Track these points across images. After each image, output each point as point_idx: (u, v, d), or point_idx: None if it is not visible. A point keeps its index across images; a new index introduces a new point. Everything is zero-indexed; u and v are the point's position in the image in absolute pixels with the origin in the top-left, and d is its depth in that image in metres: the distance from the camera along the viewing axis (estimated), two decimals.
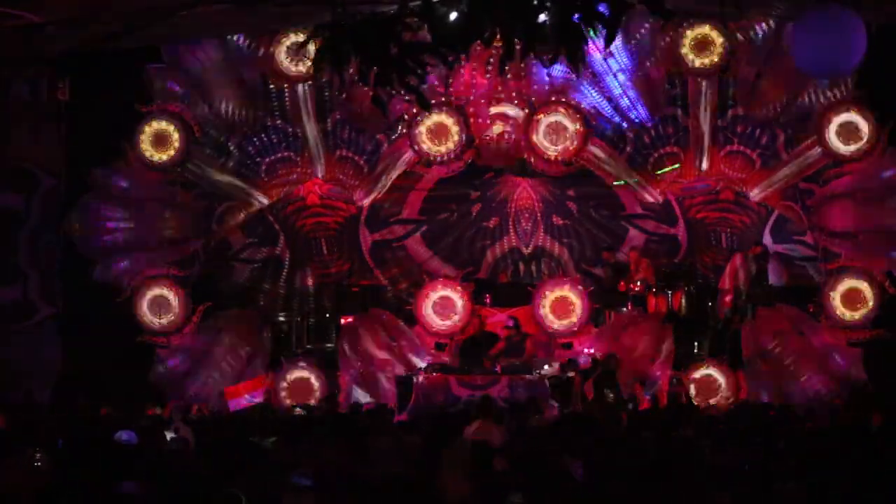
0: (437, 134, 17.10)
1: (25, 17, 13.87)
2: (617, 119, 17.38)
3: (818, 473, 7.73)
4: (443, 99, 16.99)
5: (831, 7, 12.36)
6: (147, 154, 16.89)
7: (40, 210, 18.12)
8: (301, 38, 16.13)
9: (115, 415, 13.68)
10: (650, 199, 18.12)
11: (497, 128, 17.64)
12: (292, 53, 16.72)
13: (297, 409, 15.61)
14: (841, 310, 16.38)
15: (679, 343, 17.19)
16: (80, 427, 11.96)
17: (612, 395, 15.57)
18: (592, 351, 16.63)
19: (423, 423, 12.12)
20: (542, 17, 5.91)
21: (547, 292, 17.28)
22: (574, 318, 17.16)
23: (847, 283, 16.36)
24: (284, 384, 16.82)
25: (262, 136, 17.75)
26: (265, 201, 18.05)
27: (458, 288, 17.39)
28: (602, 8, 5.86)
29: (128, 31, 14.40)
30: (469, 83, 17.20)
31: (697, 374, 16.62)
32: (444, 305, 17.21)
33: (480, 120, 17.42)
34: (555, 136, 17.09)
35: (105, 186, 17.11)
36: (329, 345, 17.99)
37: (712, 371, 16.69)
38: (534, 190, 19.20)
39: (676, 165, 17.68)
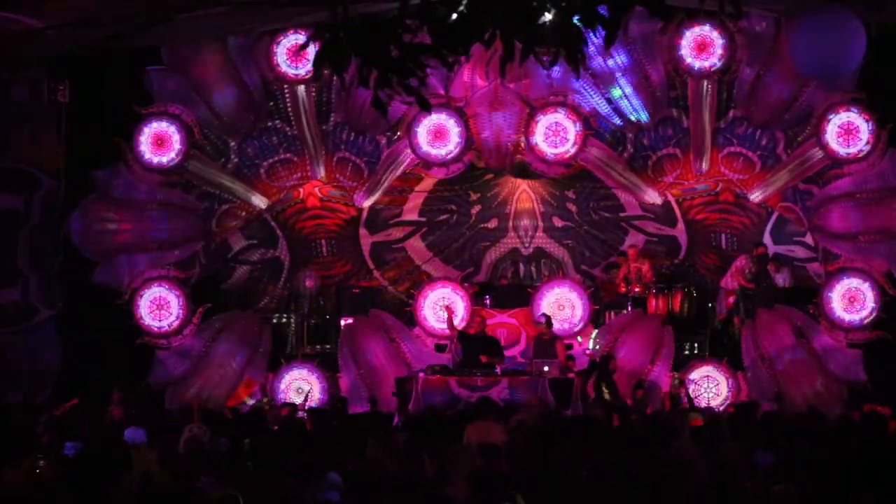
0: (436, 135, 17.10)
1: (25, 22, 13.84)
2: (616, 120, 17.35)
3: (819, 475, 7.73)
4: (443, 101, 16.98)
5: (830, 8, 12.39)
6: (147, 156, 16.89)
7: (40, 211, 18.11)
8: (301, 39, 16.15)
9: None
10: (650, 200, 18.11)
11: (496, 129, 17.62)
12: (292, 55, 16.72)
13: (300, 412, 15.58)
14: (840, 311, 16.37)
15: (679, 344, 17.21)
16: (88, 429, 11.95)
17: (610, 396, 15.58)
18: (590, 351, 16.63)
19: (422, 424, 12.11)
20: (542, 18, 5.91)
21: (547, 293, 17.29)
22: (574, 320, 17.18)
23: (847, 285, 16.35)
24: (284, 386, 16.81)
25: (262, 137, 17.73)
26: (265, 203, 18.04)
27: (460, 289, 17.42)
28: (602, 9, 5.86)
29: (128, 34, 14.38)
30: (469, 84, 17.18)
31: (697, 375, 16.62)
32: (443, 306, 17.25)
33: (480, 121, 17.38)
34: (554, 137, 17.09)
35: (105, 188, 17.10)
36: (329, 346, 17.99)
37: (712, 372, 16.71)
38: (533, 191, 19.21)
39: None
